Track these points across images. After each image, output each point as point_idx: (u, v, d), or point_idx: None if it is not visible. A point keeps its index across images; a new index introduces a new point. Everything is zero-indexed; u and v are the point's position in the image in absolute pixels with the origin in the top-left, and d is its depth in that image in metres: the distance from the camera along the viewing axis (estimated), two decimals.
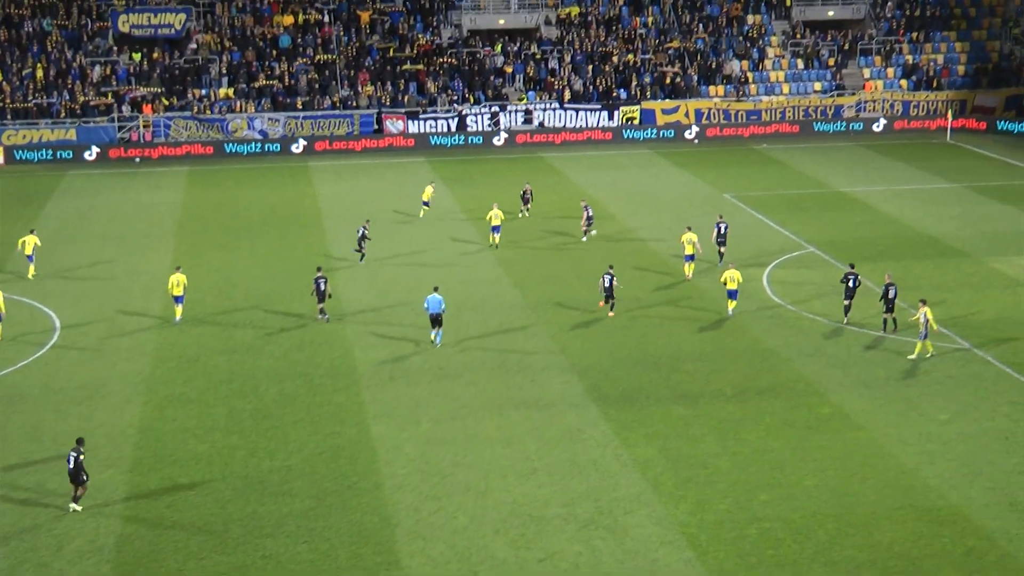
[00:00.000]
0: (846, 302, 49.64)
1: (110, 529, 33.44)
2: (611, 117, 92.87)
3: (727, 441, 38.73)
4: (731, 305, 50.66)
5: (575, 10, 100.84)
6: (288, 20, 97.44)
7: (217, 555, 32.09)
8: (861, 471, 36.56)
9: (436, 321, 47.77)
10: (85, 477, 34.59)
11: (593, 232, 63.01)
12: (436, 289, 48.24)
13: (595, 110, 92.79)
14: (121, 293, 54.69)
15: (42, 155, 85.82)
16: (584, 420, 40.32)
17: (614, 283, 50.58)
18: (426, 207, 68.27)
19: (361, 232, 58.47)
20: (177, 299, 50.53)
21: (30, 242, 57.39)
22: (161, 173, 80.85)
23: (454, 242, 62.70)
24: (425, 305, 47.86)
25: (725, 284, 50.25)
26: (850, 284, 49.49)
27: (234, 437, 39.28)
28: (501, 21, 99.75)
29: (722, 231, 57.56)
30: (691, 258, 55.53)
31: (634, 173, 77.59)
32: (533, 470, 36.81)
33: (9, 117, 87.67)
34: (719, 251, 57.54)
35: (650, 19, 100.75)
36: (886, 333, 47.71)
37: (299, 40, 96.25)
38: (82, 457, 34.41)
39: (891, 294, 47.78)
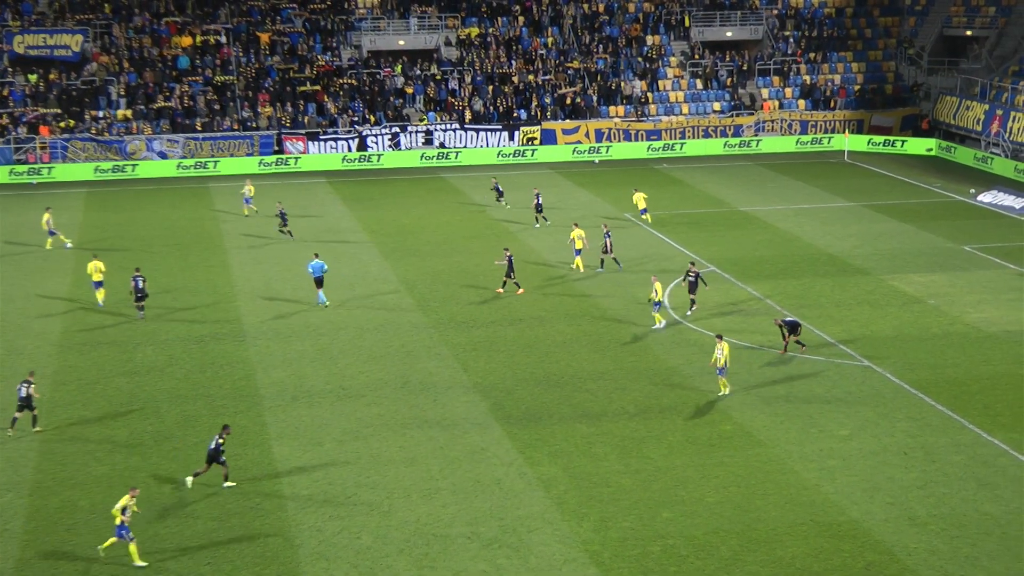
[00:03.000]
0: (691, 296, 53.10)
1: (9, 553, 33.02)
2: (512, 137, 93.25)
3: (630, 459, 38.99)
4: (658, 319, 51.84)
5: (475, 31, 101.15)
6: (187, 41, 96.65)
7: None
8: (763, 487, 36.98)
9: (319, 283, 54.71)
10: (223, 460, 36.70)
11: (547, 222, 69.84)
12: (317, 255, 55.97)
13: (496, 130, 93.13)
14: (19, 315, 53.90)
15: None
16: (487, 439, 40.40)
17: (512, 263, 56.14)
18: (644, 215, 70.72)
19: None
20: (97, 284, 54.28)
21: (46, 217, 65.91)
22: (59, 195, 79.75)
23: (355, 263, 62.55)
24: (309, 270, 55.09)
25: (657, 295, 51.54)
26: (691, 280, 52.75)
27: (136, 459, 38.91)
28: (401, 42, 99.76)
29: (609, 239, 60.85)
30: (579, 252, 60.01)
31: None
32: (437, 489, 36.81)
33: None
34: (609, 259, 60.58)
35: (550, 40, 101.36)
36: (791, 353, 48.32)
37: (198, 61, 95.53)
38: (222, 441, 36.71)
39: (790, 320, 48.57)
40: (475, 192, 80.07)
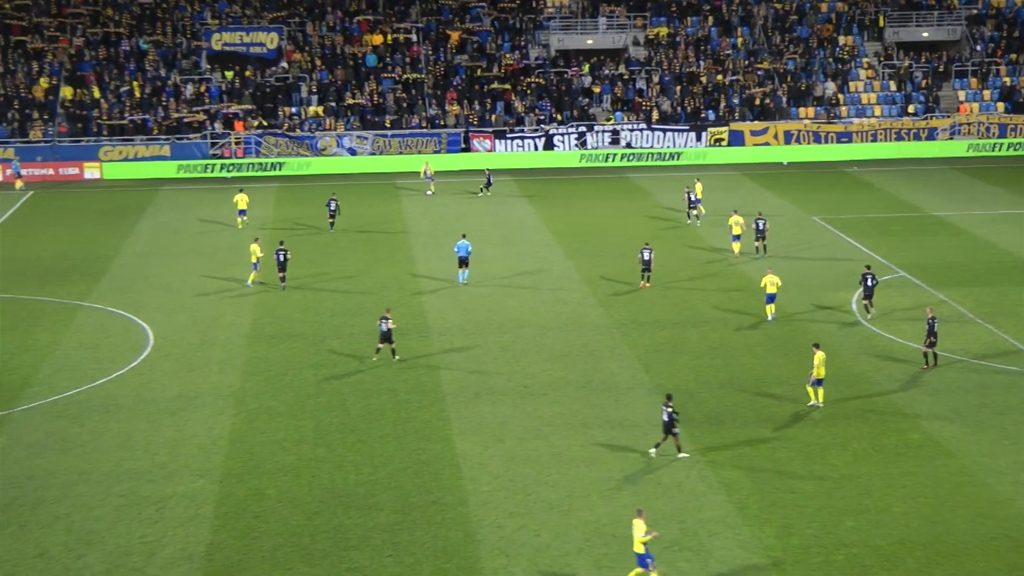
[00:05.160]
0: (865, 301, 52.49)
1: (200, 538, 33.85)
2: (699, 138, 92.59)
3: (814, 465, 38.36)
4: (770, 310, 52.51)
5: (663, 31, 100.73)
6: (377, 39, 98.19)
7: (304, 566, 32.36)
8: (952, 499, 36.03)
9: (464, 263, 58.03)
10: (676, 430, 38.39)
11: (698, 221, 70.48)
12: (464, 236, 59.30)
13: (683, 131, 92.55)
14: (212, 306, 55.32)
15: (137, 171, 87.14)
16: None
17: (652, 256, 57.41)
18: (697, 207, 71.56)
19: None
20: (255, 264, 58.20)
21: (242, 200, 70.68)
22: (252, 189, 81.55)
23: (540, 262, 62.76)
24: (455, 249, 58.14)
25: (765, 288, 52.24)
26: (868, 283, 52.20)
27: (321, 450, 39.57)
28: (589, 41, 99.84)
29: (760, 227, 62.95)
30: (737, 238, 62.92)
31: (722, 195, 77.08)
32: (617, 490, 36.69)
33: (105, 133, 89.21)
34: (758, 246, 62.94)
35: (739, 40, 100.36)
36: (928, 367, 46.89)
37: (388, 59, 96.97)
38: (672, 410, 38.21)
39: (935, 328, 46.72)
40: (661, 193, 79.75)
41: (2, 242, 68.38)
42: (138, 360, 48.31)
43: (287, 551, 33.14)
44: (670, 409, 38.28)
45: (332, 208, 70.27)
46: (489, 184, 79.97)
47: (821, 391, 43.07)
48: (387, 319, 47.38)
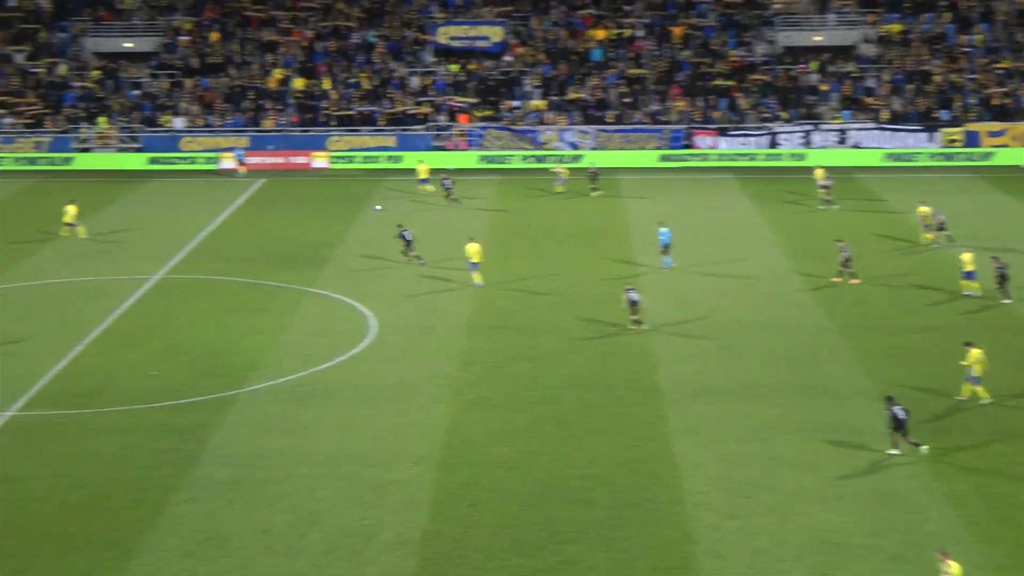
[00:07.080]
0: (998, 288, 54.25)
1: (417, 524, 34.16)
2: (932, 139, 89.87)
3: None
4: (970, 287, 54.84)
5: (896, 27, 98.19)
6: (601, 34, 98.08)
7: (517, 557, 32.38)
8: None
9: (666, 250, 59.69)
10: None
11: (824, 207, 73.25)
12: (661, 223, 60.95)
13: (914, 131, 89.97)
14: (432, 296, 55.93)
15: (362, 161, 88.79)
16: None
17: (850, 253, 57.52)
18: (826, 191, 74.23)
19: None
20: (473, 265, 56.87)
21: (423, 169, 77.12)
22: (473, 182, 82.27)
23: (761, 260, 61.79)
24: (659, 236, 59.92)
25: (963, 267, 54.95)
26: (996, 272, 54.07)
27: (535, 443, 39.58)
28: (817, 38, 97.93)
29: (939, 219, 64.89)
30: (928, 227, 64.46)
31: (954, 199, 74.49)
32: (838, 497, 35.76)
33: (333, 123, 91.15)
34: (945, 235, 64.08)
35: (978, 37, 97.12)
36: None
37: (611, 54, 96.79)
38: (902, 407, 38.12)
39: None
40: (889, 193, 77.78)
41: (236, 228, 70.46)
42: (360, 347, 49.14)
43: (501, 541, 33.20)
44: (900, 405, 37.93)
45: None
46: (594, 180, 78.29)
47: (980, 388, 42.45)
48: (634, 290, 50.56)
